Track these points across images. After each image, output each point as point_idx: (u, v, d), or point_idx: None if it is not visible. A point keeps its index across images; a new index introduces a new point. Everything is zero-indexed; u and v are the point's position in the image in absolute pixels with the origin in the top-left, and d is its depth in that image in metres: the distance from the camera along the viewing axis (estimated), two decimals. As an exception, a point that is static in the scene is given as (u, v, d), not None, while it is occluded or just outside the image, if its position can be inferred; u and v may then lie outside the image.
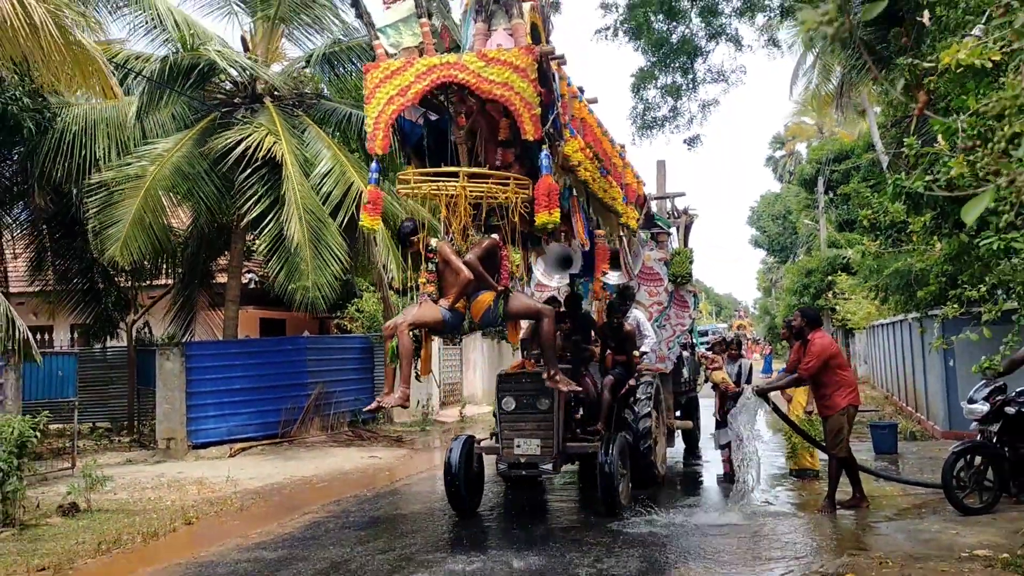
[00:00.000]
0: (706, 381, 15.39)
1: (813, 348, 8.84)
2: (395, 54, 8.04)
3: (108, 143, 15.59)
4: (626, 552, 7.49)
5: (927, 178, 5.76)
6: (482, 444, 9.74)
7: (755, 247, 59.98)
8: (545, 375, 8.35)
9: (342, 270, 15.35)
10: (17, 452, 8.97)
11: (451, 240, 8.25)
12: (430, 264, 8.34)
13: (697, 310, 13.48)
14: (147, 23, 15.99)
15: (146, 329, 19.88)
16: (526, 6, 7.67)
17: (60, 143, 15.31)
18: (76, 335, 20.56)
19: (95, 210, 14.61)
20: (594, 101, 9.23)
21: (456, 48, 8.25)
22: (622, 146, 9.99)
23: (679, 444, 13.67)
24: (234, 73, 16.44)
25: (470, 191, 7.85)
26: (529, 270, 11.14)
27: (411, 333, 8.22)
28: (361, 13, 8.43)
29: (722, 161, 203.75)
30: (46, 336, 20.69)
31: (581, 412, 10.05)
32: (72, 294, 17.83)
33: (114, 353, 18.72)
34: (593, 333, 10.59)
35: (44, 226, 17.75)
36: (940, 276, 11.01)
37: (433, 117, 8.79)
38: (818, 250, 34.40)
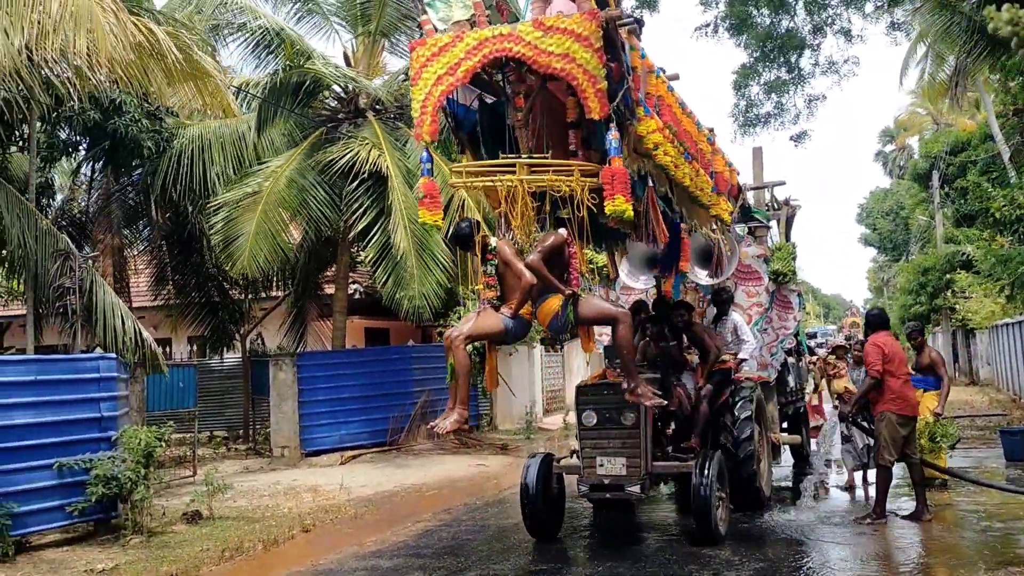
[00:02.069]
0: (815, 389, 14.62)
1: (867, 347, 8.82)
2: (444, 29, 7.14)
3: (223, 161, 16.18)
4: (747, 566, 7.25)
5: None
6: (561, 463, 8.93)
7: (865, 245, 57.90)
8: (625, 387, 7.47)
9: (446, 278, 15.49)
10: (144, 462, 9.32)
11: (512, 238, 7.39)
12: (489, 267, 7.46)
13: (802, 311, 12.26)
14: (258, 42, 16.54)
15: (259, 340, 20.52)
16: None
17: (178, 163, 15.96)
18: (194, 347, 21.40)
19: (220, 226, 15.19)
20: (675, 78, 8.16)
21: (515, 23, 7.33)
22: (710, 129, 8.84)
23: (786, 459, 12.71)
24: (338, 89, 16.84)
25: (530, 184, 7.04)
26: (616, 269, 10.27)
27: (469, 346, 7.42)
28: None
29: (827, 156, 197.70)
30: (166, 349, 21.59)
31: (673, 427, 9.16)
32: (190, 307, 18.59)
33: (230, 364, 19.43)
34: (687, 339, 9.61)
35: (163, 243, 18.57)
36: (1078, 271, 10.34)
37: (489, 100, 7.93)
38: (934, 247, 32.91)
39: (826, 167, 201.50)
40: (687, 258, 9.09)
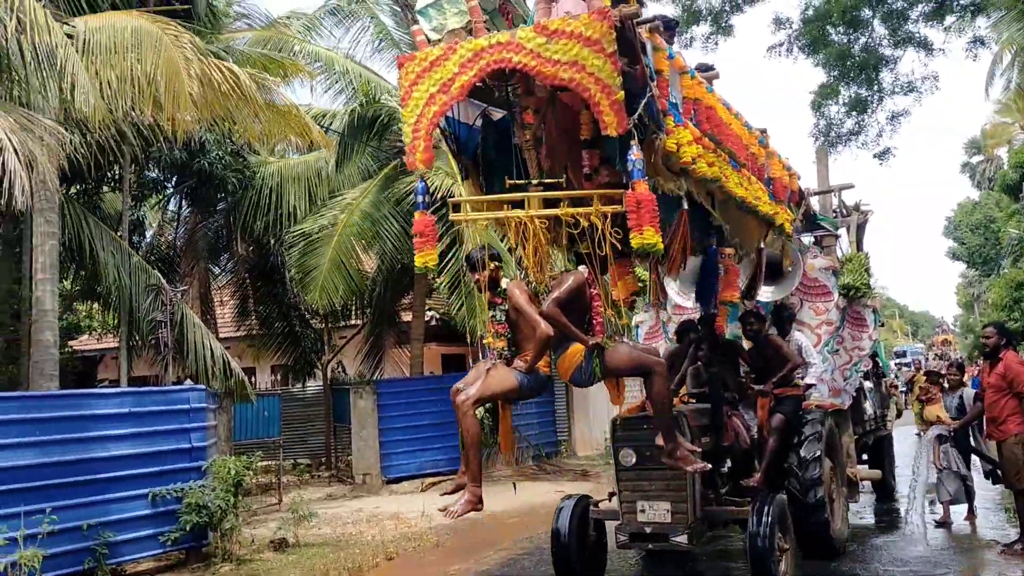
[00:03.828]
0: (899, 415, 13.80)
1: (1014, 366, 8.18)
2: (438, 40, 6.32)
3: (300, 196, 16.64)
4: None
5: None
6: (600, 506, 7.93)
7: (953, 259, 55.85)
8: (661, 446, 6.47)
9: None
10: (233, 491, 9.54)
11: (524, 277, 6.60)
12: (498, 312, 6.57)
13: (878, 328, 11.25)
14: (331, 83, 17.04)
15: (340, 368, 20.90)
16: None
17: (259, 198, 16.47)
18: (277, 376, 21.91)
19: (296, 258, 15.61)
20: (713, 76, 7.28)
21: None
22: (762, 131, 7.78)
23: (866, 498, 11.36)
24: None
25: (542, 219, 6.21)
26: (663, 291, 8.87)
27: (478, 410, 6.59)
28: None
29: (911, 168, 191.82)
30: (251, 378, 22.15)
31: (728, 464, 7.98)
32: (273, 337, 19.09)
33: (311, 392, 19.84)
34: (742, 363, 8.72)
35: (246, 275, 19.17)
36: None
37: (496, 115, 7.05)
38: (1028, 261, 31.59)
39: (911, 179, 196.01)
40: (733, 286, 8.12)
